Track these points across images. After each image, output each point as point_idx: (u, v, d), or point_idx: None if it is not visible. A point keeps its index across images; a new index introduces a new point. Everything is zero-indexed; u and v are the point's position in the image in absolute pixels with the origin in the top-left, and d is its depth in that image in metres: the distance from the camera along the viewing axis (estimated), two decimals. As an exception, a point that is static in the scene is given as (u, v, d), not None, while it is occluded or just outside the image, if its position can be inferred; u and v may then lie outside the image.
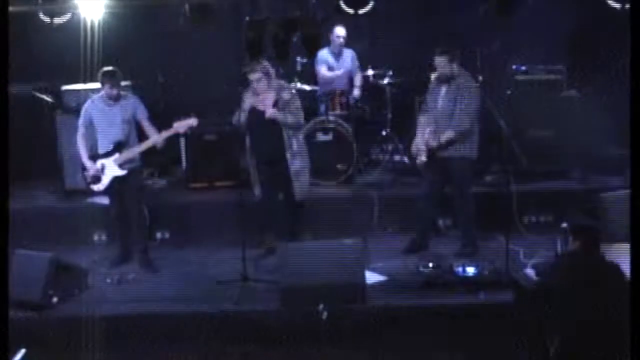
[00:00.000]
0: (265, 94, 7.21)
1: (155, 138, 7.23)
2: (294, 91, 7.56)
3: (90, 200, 8.24)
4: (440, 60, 7.00)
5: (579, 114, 8.55)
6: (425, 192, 7.30)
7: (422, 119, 7.27)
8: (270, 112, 7.11)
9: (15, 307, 6.29)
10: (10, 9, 6.93)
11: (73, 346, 6.35)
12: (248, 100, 7.28)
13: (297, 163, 7.30)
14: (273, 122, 7.16)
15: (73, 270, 6.89)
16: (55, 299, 6.60)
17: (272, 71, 7.31)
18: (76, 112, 8.30)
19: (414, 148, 7.25)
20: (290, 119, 7.20)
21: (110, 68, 7.21)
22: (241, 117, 7.25)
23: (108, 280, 7.15)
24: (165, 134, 7.25)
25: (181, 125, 7.24)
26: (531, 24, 8.61)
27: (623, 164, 8.13)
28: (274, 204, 7.44)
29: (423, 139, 7.13)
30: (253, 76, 7.17)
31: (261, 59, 7.41)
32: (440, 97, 7.11)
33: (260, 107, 7.21)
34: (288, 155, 7.24)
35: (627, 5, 7.79)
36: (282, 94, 7.27)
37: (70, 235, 7.87)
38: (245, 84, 7.31)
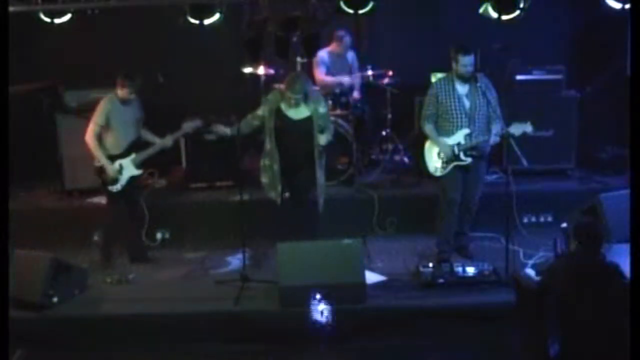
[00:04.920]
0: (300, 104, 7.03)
1: (167, 140, 7.36)
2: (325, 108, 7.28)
3: (90, 200, 8.24)
4: (466, 59, 6.89)
5: (579, 114, 8.56)
6: (454, 196, 7.09)
7: (449, 122, 6.99)
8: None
9: (15, 307, 6.29)
10: (10, 9, 6.95)
11: (73, 346, 6.36)
12: (277, 101, 7.06)
13: (323, 179, 7.20)
14: (305, 132, 7.01)
15: (73, 270, 6.88)
16: (55, 299, 6.60)
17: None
18: (76, 112, 8.33)
19: (442, 154, 7.02)
20: (327, 133, 7.08)
21: (127, 72, 7.21)
22: (267, 117, 7.03)
23: (108, 280, 7.15)
24: (176, 135, 7.43)
25: (189, 126, 7.42)
26: (531, 24, 8.62)
27: (623, 164, 8.19)
28: (299, 209, 7.27)
29: (453, 142, 6.97)
30: (292, 96, 6.87)
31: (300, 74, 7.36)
32: (465, 97, 6.98)
33: (292, 114, 7.02)
34: (317, 162, 7.11)
35: (627, 5, 7.80)
36: (317, 108, 7.06)
37: (70, 235, 7.87)
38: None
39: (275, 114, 7.04)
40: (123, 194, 7.32)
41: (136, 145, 7.31)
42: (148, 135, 7.42)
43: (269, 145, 7.09)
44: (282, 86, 7.15)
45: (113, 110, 7.20)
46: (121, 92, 7.16)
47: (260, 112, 7.11)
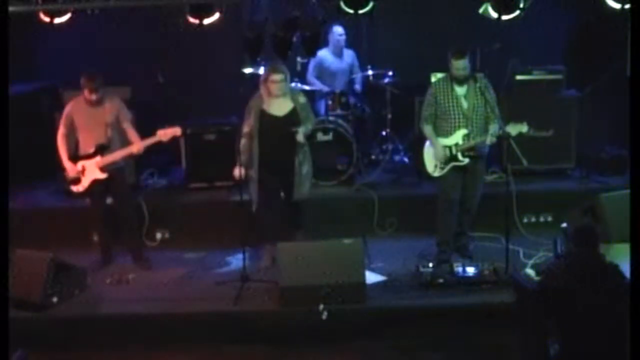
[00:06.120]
0: (283, 98, 7.07)
1: (137, 146, 7.13)
2: (305, 98, 7.35)
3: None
4: (460, 62, 6.89)
5: (579, 114, 8.56)
6: (453, 196, 7.11)
7: (447, 122, 7.00)
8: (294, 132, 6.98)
9: (15, 307, 6.29)
10: (10, 9, 6.95)
11: (73, 346, 6.36)
12: (259, 104, 7.10)
13: (306, 167, 7.22)
14: (286, 126, 7.02)
15: (73, 270, 6.88)
16: (55, 299, 6.60)
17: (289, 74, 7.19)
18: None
19: (440, 154, 7.01)
20: (307, 124, 7.14)
21: (89, 72, 7.12)
22: (253, 124, 7.05)
23: (108, 281, 7.15)
24: (148, 141, 7.14)
25: (165, 134, 7.13)
26: (531, 24, 8.62)
27: (623, 164, 8.19)
28: (278, 211, 7.26)
29: (451, 142, 6.97)
30: (275, 77, 6.97)
31: (280, 60, 7.32)
32: (463, 98, 6.96)
33: (276, 112, 7.09)
34: (297, 161, 7.14)
35: (627, 5, 7.80)
36: (298, 98, 7.17)
37: (70, 235, 7.87)
38: (254, 86, 7.20)
39: (260, 116, 7.05)
40: (95, 196, 7.31)
41: (106, 148, 7.16)
42: (133, 138, 7.23)
43: (254, 149, 7.08)
44: (262, 88, 7.12)
45: (76, 112, 7.19)
46: (85, 94, 7.12)
47: (247, 128, 7.09)
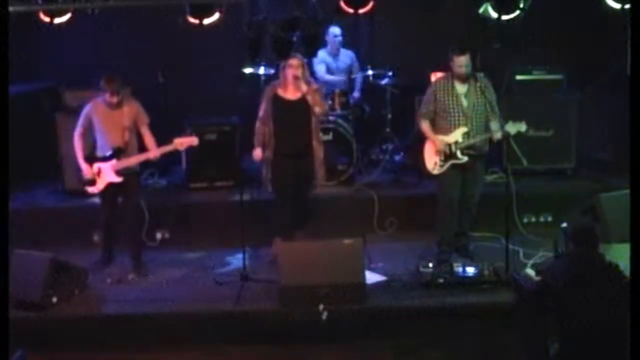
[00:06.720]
0: (298, 84, 7.13)
1: (154, 152, 7.14)
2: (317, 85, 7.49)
3: (90, 200, 8.23)
4: (461, 59, 6.91)
5: (579, 114, 8.56)
6: (452, 195, 7.13)
7: (447, 120, 7.02)
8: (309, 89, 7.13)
9: (15, 307, 6.29)
10: (10, 9, 6.95)
11: (73, 346, 6.36)
12: (273, 89, 7.24)
13: (321, 154, 7.32)
14: (302, 112, 7.14)
15: (73, 270, 6.88)
16: (55, 299, 6.60)
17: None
18: (77, 112, 8.33)
19: (439, 152, 7.04)
20: (322, 108, 7.26)
21: (111, 74, 7.11)
22: (266, 107, 7.19)
23: (108, 281, 7.15)
24: (164, 149, 7.15)
25: (182, 143, 7.16)
26: (531, 24, 8.62)
27: (623, 164, 8.18)
28: (294, 200, 7.31)
29: (451, 140, 6.99)
30: (292, 62, 7.13)
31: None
32: (463, 96, 6.97)
33: (289, 96, 7.19)
34: (315, 145, 7.25)
35: (627, 5, 7.80)
36: (312, 85, 7.27)
37: (70, 235, 7.87)
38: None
39: (273, 101, 7.18)
40: (108, 198, 7.29)
41: (123, 152, 7.14)
42: (150, 143, 7.22)
43: (268, 133, 7.20)
44: (281, 73, 7.26)
45: (95, 113, 7.17)
46: (106, 97, 7.10)
47: (261, 112, 7.23)
